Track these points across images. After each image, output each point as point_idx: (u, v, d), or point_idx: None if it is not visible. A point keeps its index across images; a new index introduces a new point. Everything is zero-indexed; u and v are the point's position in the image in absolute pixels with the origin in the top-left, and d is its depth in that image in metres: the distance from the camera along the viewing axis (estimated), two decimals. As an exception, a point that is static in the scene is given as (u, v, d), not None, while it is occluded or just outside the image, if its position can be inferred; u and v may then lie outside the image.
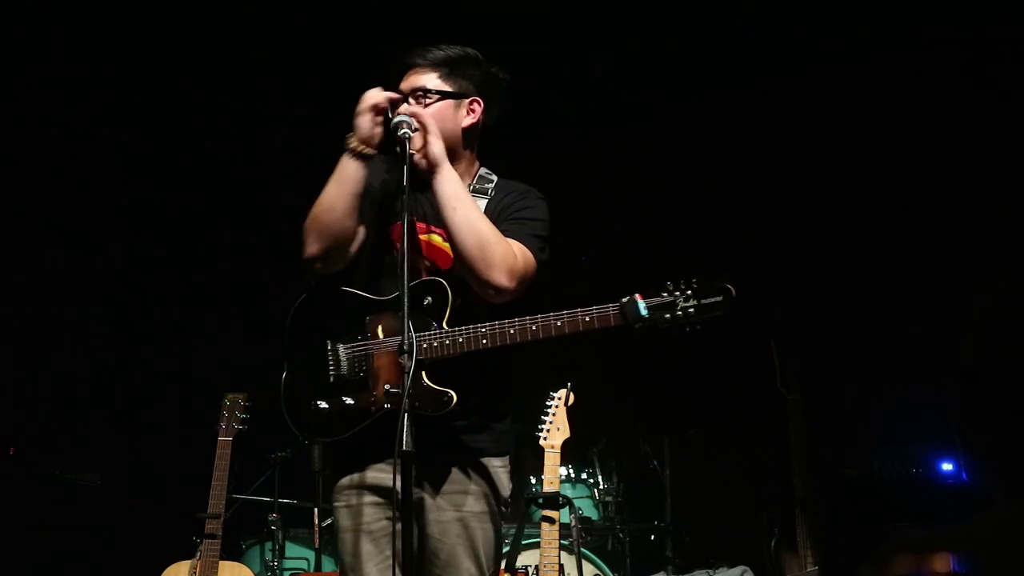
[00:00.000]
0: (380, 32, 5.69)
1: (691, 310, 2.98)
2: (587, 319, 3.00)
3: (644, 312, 2.98)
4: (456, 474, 3.16)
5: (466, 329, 3.04)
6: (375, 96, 3.11)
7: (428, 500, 3.14)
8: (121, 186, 6.24)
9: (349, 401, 3.10)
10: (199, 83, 6.14)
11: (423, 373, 3.04)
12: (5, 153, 5.90)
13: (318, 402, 3.13)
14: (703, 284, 3.00)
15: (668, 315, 2.99)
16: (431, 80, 3.20)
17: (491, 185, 3.28)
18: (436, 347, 3.04)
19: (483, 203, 3.21)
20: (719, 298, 2.99)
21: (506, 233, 3.12)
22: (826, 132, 6.05)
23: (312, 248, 3.13)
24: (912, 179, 5.89)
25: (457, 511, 3.14)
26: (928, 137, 5.83)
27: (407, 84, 3.20)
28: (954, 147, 5.79)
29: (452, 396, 3.04)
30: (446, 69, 3.21)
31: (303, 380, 3.16)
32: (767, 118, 6.12)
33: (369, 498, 3.14)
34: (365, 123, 3.10)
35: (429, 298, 3.10)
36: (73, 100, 6.00)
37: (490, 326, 3.04)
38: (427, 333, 3.05)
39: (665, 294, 3.00)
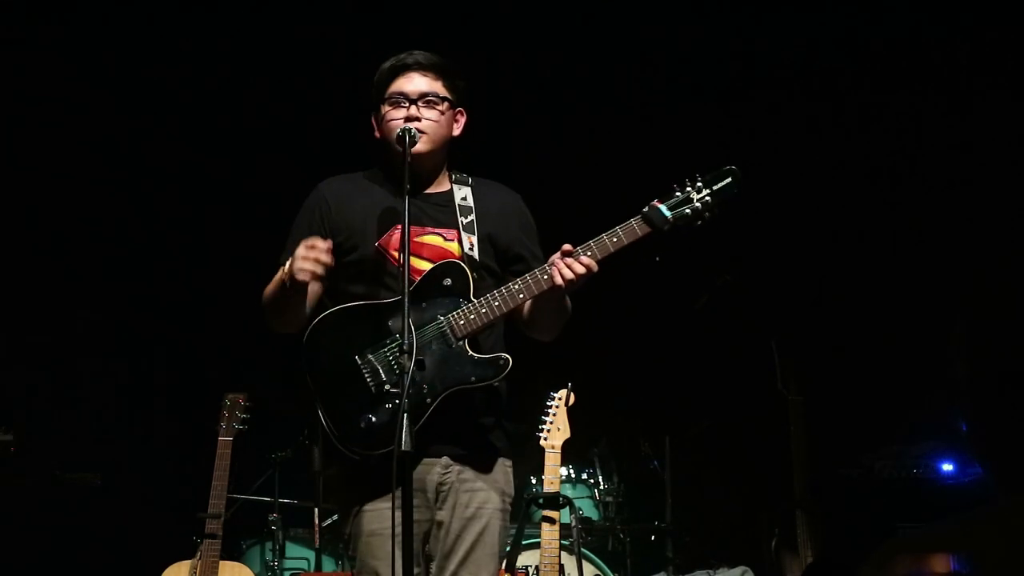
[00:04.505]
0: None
1: (708, 199, 3.07)
2: (614, 239, 3.05)
3: (668, 214, 3.06)
4: (481, 473, 3.15)
5: (498, 291, 3.07)
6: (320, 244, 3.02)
7: (454, 496, 3.12)
8: (122, 183, 6.24)
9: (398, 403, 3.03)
10: (199, 81, 6.14)
11: (467, 347, 3.06)
12: (4, 151, 5.91)
13: (369, 416, 3.03)
14: (709, 173, 3.09)
15: (689, 210, 3.06)
16: (438, 87, 3.19)
17: (467, 176, 3.30)
18: (474, 319, 3.05)
19: (466, 191, 3.24)
20: (729, 179, 3.09)
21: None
22: (826, 130, 6.06)
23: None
24: (912, 179, 5.89)
25: (480, 508, 3.14)
26: (928, 136, 5.84)
27: (412, 87, 3.17)
28: (953, 146, 5.80)
29: (507, 359, 3.07)
30: (448, 79, 3.21)
31: (343, 402, 3.05)
32: (766, 117, 6.13)
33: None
34: (308, 266, 3.00)
35: (449, 279, 3.10)
36: (71, 93, 6.00)
37: (522, 280, 3.07)
38: (460, 309, 3.06)
39: (678, 193, 3.08)
